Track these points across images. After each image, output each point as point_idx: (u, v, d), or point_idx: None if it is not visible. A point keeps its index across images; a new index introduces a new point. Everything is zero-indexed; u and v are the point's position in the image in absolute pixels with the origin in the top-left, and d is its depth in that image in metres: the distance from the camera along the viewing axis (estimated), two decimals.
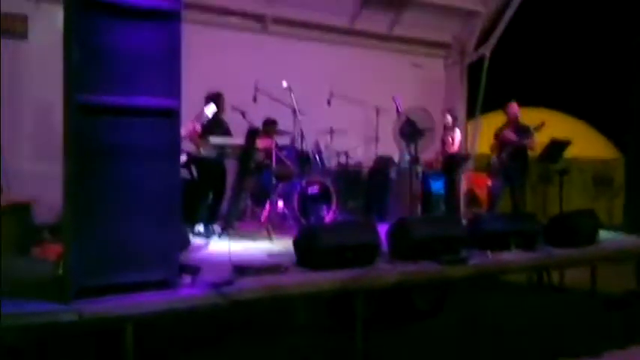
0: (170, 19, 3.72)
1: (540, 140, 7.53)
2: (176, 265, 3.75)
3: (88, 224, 3.48)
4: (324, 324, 5.16)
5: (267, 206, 6.79)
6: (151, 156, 3.61)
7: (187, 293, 3.78)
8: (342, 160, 8.24)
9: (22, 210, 5.03)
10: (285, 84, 6.81)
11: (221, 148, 6.38)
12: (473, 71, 10.52)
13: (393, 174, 8.24)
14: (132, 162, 3.58)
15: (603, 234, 6.65)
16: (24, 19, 6.96)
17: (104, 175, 3.51)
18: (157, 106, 3.64)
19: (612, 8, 12.78)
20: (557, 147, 7.22)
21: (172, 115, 3.68)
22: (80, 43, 3.46)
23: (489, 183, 8.08)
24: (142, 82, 3.63)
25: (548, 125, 7.37)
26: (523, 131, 7.50)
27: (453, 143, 8.03)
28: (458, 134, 8.09)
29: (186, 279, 3.95)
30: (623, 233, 7.10)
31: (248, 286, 4.07)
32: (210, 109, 6.33)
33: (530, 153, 7.61)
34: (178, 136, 3.77)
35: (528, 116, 8.04)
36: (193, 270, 4.14)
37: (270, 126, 7.53)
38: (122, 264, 3.55)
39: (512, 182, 7.54)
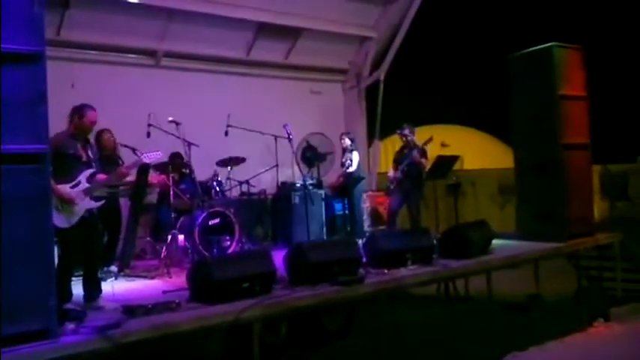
0: (34, 62, 3.65)
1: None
2: (54, 313, 3.63)
3: None
4: (232, 354, 5.10)
5: (168, 242, 6.68)
6: (19, 204, 3.51)
7: (69, 341, 3.67)
8: (245, 189, 8.24)
9: None
10: (170, 118, 6.75)
11: (111, 187, 6.21)
12: (372, 95, 10.80)
13: (296, 199, 8.33)
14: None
15: (498, 242, 6.96)
16: None
17: None
18: (22, 153, 3.55)
19: (493, 26, 13.44)
20: (444, 163, 7.44)
21: (40, 161, 3.60)
22: None
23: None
24: (6, 129, 3.52)
25: (454, 141, 7.63)
26: (416, 150, 7.71)
27: (351, 165, 8.21)
28: (356, 156, 8.28)
29: (70, 326, 3.85)
30: (516, 240, 7.36)
31: (136, 327, 3.98)
32: None
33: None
34: (48, 182, 3.68)
35: (436, 134, 8.07)
36: (77, 316, 4.05)
37: (176, 160, 7.46)
38: None
39: (408, 199, 7.76)
